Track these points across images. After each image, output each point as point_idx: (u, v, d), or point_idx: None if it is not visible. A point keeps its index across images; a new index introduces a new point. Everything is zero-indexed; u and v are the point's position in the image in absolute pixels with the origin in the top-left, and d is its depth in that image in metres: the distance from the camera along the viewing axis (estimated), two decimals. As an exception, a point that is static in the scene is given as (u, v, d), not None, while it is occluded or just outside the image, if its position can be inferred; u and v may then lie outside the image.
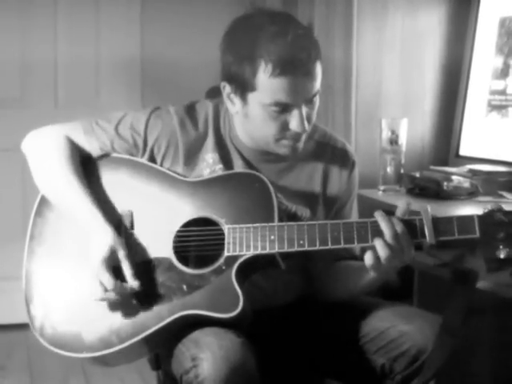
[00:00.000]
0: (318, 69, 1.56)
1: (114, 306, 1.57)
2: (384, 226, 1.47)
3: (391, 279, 1.63)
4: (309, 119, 1.59)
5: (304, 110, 1.56)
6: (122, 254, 1.56)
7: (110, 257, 1.56)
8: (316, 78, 1.56)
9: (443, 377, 1.58)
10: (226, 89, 1.61)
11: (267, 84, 1.52)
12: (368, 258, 1.49)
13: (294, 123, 1.56)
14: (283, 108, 1.55)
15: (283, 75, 1.51)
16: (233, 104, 1.62)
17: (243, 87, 1.56)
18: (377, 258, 1.48)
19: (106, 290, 1.54)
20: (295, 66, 1.51)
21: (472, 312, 1.84)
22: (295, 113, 1.56)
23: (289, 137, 1.59)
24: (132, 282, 1.55)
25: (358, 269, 1.60)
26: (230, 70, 1.57)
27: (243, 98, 1.58)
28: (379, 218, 1.49)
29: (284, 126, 1.58)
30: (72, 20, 3.50)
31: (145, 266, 1.59)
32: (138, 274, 1.56)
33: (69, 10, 3.49)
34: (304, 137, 1.62)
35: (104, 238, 1.57)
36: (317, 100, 1.60)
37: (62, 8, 3.48)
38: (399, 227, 1.47)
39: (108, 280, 1.54)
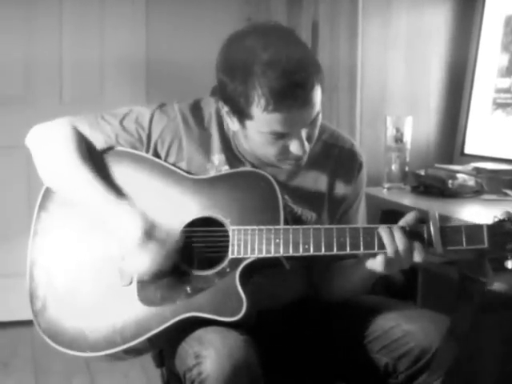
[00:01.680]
0: (317, 93, 1.48)
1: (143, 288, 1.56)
2: (386, 242, 1.47)
3: (395, 276, 1.62)
4: (310, 139, 1.55)
5: (304, 132, 1.52)
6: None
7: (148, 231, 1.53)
8: (315, 104, 1.49)
9: (451, 377, 1.58)
10: (225, 108, 1.57)
11: (262, 117, 1.47)
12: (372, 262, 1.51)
13: (293, 148, 1.53)
14: (281, 135, 1.51)
15: (277, 111, 1.45)
16: (232, 122, 1.58)
17: (239, 114, 1.52)
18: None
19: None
20: (289, 101, 1.44)
21: (481, 312, 1.83)
22: (294, 140, 1.52)
23: (291, 158, 1.56)
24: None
25: (354, 264, 1.61)
26: (226, 91, 1.51)
27: (241, 123, 1.54)
28: (382, 233, 1.48)
29: (284, 150, 1.54)
30: (77, 18, 3.50)
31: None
32: None
33: (74, 8, 3.49)
34: (306, 155, 1.57)
35: (131, 218, 1.54)
36: (319, 118, 1.54)
37: (68, 6, 3.48)
38: (400, 243, 1.46)
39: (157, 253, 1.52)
